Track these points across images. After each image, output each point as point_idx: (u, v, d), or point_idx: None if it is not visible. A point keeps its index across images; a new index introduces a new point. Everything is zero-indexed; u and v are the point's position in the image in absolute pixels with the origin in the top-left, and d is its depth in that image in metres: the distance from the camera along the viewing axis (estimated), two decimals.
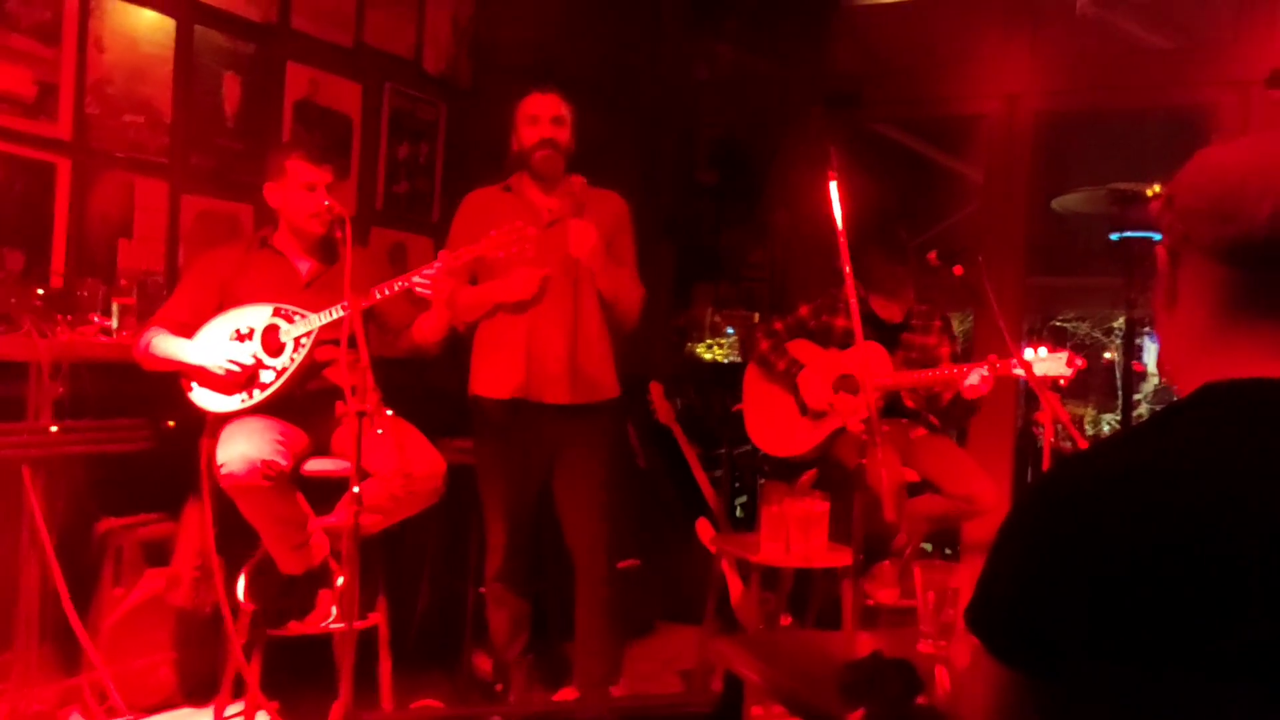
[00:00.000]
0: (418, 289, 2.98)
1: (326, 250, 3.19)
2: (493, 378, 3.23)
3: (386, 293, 2.97)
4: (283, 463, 2.83)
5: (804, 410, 3.95)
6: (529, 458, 3.25)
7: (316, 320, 2.99)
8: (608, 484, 3.30)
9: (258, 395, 2.98)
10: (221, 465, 2.78)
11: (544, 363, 3.16)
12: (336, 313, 2.95)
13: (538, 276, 3.13)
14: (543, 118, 3.20)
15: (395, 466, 2.93)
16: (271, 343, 3.02)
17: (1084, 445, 3.29)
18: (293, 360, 3.00)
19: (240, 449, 2.79)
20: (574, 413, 3.20)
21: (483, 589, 3.43)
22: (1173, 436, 1.02)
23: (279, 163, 3.13)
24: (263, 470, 2.77)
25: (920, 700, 1.70)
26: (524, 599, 3.36)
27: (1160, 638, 0.93)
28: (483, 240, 2.96)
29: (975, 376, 3.56)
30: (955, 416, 3.94)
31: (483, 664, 3.64)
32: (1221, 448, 0.99)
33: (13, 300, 2.90)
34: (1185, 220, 1.09)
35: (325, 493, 3.00)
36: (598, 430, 3.27)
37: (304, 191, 3.08)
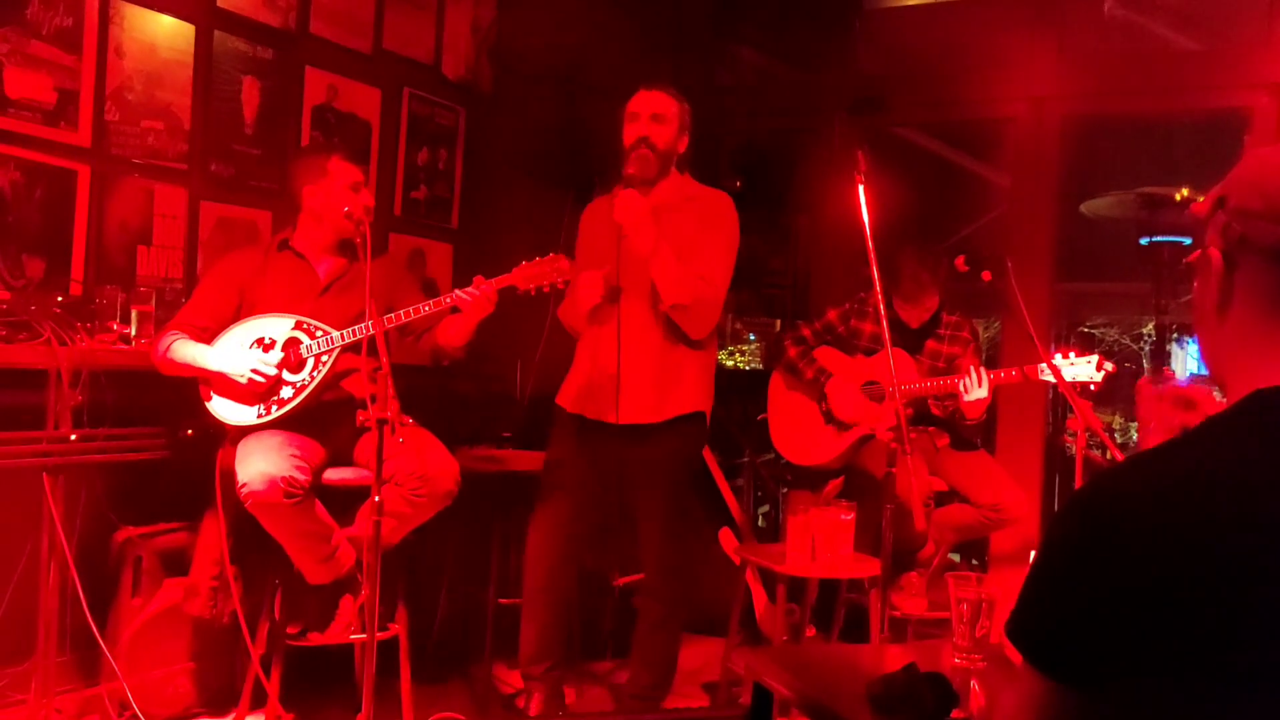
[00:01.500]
0: (458, 300, 2.95)
1: (348, 248, 3.15)
2: (567, 389, 3.26)
3: (411, 315, 2.95)
4: (302, 478, 2.79)
5: (829, 418, 3.90)
6: (587, 473, 3.21)
7: (339, 339, 2.96)
8: (669, 503, 3.22)
9: (275, 411, 2.95)
10: (243, 485, 2.74)
11: (600, 382, 3.13)
12: (359, 333, 2.92)
13: (599, 277, 3.09)
14: (642, 115, 3.14)
15: (410, 469, 2.90)
16: (292, 357, 2.99)
17: (1118, 455, 3.24)
18: (312, 378, 2.97)
19: (260, 466, 2.75)
20: (632, 432, 3.13)
21: (503, 600, 3.39)
22: (1221, 445, 1.00)
23: (318, 164, 3.10)
24: (284, 488, 2.74)
25: (955, 714, 1.67)
26: (560, 614, 3.29)
27: (1207, 650, 0.91)
28: (515, 270, 2.94)
29: (974, 394, 3.50)
30: (959, 427, 3.88)
31: (504, 676, 3.61)
32: (1272, 457, 0.96)
33: (33, 308, 2.89)
34: (1241, 221, 1.06)
35: (345, 502, 2.97)
36: (659, 451, 3.17)
37: (348, 191, 3.07)
